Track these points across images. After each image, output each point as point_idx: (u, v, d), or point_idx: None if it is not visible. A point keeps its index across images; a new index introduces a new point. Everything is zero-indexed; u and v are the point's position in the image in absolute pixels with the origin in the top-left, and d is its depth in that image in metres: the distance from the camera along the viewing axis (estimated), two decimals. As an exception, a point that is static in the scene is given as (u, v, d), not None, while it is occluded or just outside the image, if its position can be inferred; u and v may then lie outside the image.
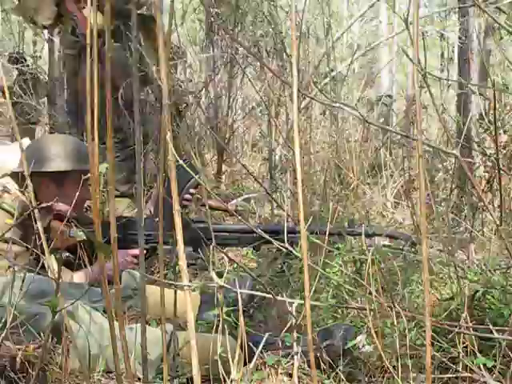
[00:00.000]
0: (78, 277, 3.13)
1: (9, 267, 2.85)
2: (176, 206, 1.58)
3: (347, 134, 6.29)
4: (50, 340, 2.12)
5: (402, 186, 5.67)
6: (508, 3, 5.10)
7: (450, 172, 5.05)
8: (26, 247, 2.82)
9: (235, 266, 3.31)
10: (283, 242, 1.84)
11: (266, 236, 1.96)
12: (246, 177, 6.00)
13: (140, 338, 1.74)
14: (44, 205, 1.81)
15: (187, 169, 1.63)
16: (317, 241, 2.39)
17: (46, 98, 8.18)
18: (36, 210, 1.79)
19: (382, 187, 5.76)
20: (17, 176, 3.01)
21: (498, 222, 1.73)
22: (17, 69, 8.06)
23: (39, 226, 1.71)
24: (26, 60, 8.50)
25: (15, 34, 10.36)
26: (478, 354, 2.27)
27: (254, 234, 3.31)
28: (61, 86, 7.21)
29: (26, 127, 7.39)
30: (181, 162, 1.54)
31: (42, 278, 2.42)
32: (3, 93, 2.32)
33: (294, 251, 1.84)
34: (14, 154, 3.25)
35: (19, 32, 9.60)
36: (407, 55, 1.46)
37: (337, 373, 2.38)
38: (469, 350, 2.31)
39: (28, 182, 1.94)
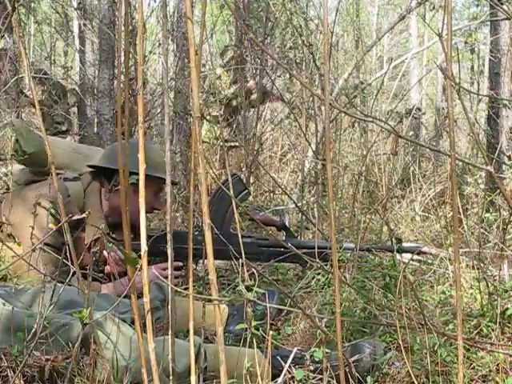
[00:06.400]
0: (107, 288, 3.13)
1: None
2: (206, 220, 1.57)
3: (376, 147, 6.26)
4: (78, 351, 2.12)
5: (431, 200, 5.63)
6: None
7: (481, 186, 5.00)
8: (58, 257, 2.82)
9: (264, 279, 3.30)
10: (314, 257, 1.83)
11: (298, 252, 1.95)
12: (274, 189, 5.98)
13: (168, 350, 1.74)
14: (76, 217, 1.81)
15: (226, 191, 1.62)
16: (348, 257, 2.37)
17: (76, 108, 8.23)
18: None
19: (410, 201, 5.72)
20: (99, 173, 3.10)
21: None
22: (41, 83, 8.10)
23: (69, 238, 1.72)
24: (47, 74, 8.56)
25: (47, 45, 10.46)
26: (510, 373, 2.24)
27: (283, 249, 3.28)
28: (91, 95, 7.26)
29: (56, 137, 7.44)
30: (215, 182, 1.54)
31: (71, 288, 2.43)
32: (33, 105, 2.34)
33: (324, 267, 1.83)
34: None
35: (51, 43, 9.68)
36: (441, 70, 1.45)
37: (365, 389, 2.35)
38: (500, 368, 2.28)
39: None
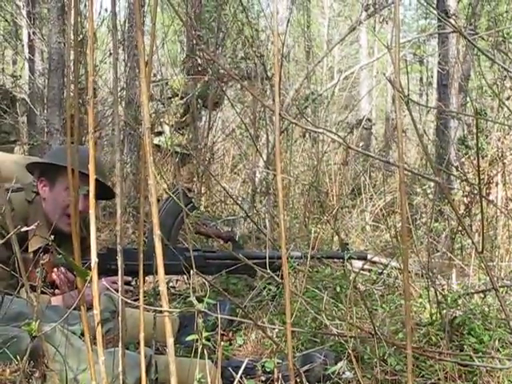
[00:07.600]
0: (56, 301, 3.08)
1: None
2: (157, 231, 1.56)
3: (327, 157, 6.31)
4: (27, 364, 2.09)
5: (380, 210, 5.69)
6: (486, 30, 5.14)
7: (430, 196, 5.07)
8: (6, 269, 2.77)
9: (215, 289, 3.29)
10: (263, 267, 1.84)
11: (249, 262, 1.95)
12: (225, 199, 5.98)
13: (118, 361, 1.72)
14: (25, 228, 1.78)
15: (178, 201, 1.61)
16: (298, 267, 2.38)
17: (25, 117, 8.14)
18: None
19: (361, 211, 5.77)
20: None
21: (479, 249, 1.72)
22: None
23: (17, 249, 1.69)
24: None
25: (-5, 53, 10.34)
26: (458, 381, 2.27)
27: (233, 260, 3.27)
28: (41, 104, 7.17)
29: (5, 147, 7.34)
30: (168, 193, 1.53)
31: (19, 301, 2.39)
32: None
33: (275, 277, 1.83)
34: None
35: (-1, 51, 9.56)
36: (390, 82, 1.47)
37: (316, 398, 2.36)
38: (449, 376, 2.30)
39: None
